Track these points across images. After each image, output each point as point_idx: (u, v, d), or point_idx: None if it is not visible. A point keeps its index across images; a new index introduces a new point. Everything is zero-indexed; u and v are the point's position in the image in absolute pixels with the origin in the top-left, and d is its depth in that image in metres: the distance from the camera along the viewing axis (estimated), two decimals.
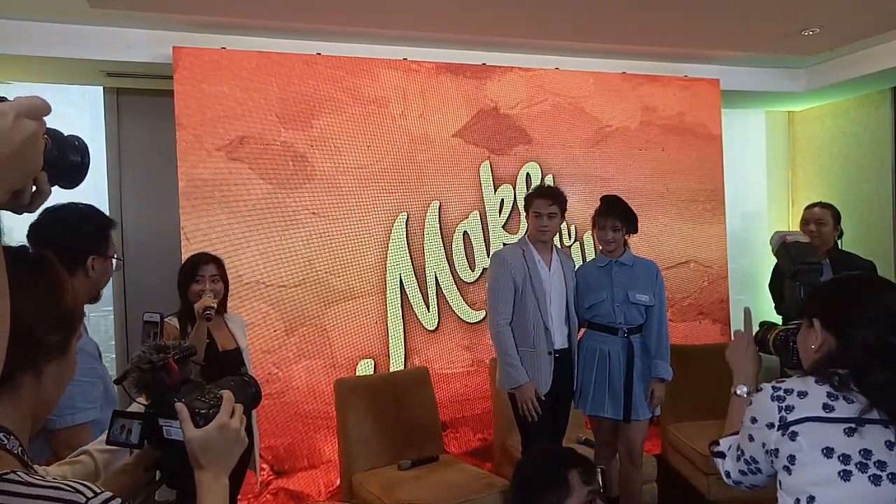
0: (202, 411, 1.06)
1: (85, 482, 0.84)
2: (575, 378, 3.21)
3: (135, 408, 1.16)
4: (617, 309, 3.16)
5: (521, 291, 3.09)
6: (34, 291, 0.90)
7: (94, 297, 1.93)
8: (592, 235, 3.41)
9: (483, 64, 4.29)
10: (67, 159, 0.84)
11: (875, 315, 1.38)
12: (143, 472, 1.15)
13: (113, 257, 1.93)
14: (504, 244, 4.27)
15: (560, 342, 3.16)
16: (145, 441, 1.12)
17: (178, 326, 2.80)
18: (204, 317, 2.71)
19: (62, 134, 0.86)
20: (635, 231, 3.26)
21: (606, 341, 3.16)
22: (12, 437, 0.87)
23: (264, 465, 3.63)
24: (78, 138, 0.88)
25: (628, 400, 3.12)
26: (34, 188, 0.78)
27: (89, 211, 1.93)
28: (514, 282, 3.09)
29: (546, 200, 3.11)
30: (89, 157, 0.86)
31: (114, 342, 4.38)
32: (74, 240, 1.81)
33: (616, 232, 3.19)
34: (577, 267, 3.39)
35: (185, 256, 3.56)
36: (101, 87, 4.30)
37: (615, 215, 3.19)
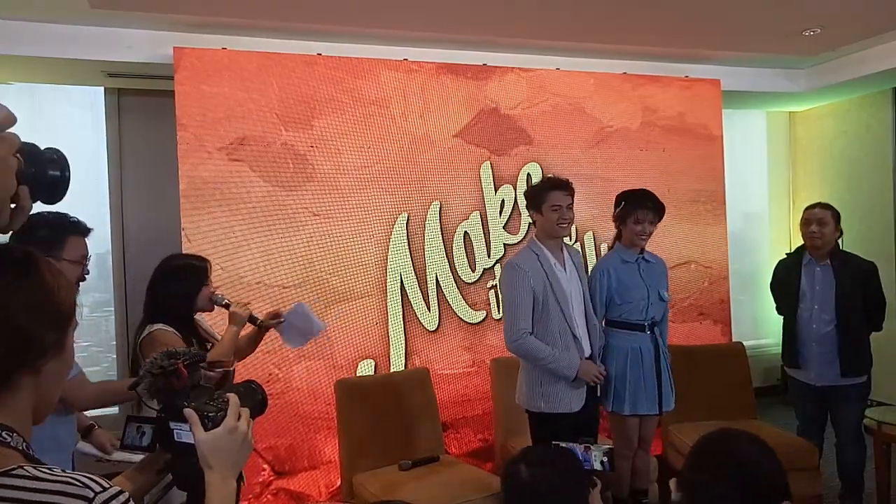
0: (210, 414, 1.09)
1: (93, 476, 0.84)
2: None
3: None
4: (651, 307, 3.15)
5: (543, 301, 2.88)
6: (26, 291, 0.88)
7: None
8: (618, 226, 3.26)
9: (483, 64, 4.29)
10: (46, 175, 0.82)
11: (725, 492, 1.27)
12: (156, 474, 1.17)
13: (72, 260, 1.94)
14: (505, 245, 4.27)
15: (587, 349, 2.99)
16: (157, 444, 1.16)
17: (174, 331, 2.42)
18: (262, 327, 2.59)
19: (38, 148, 0.83)
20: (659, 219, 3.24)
21: (636, 339, 3.12)
22: (15, 434, 0.87)
23: (265, 466, 3.63)
24: (57, 151, 0.85)
25: (660, 393, 3.13)
26: (13, 205, 0.77)
27: (51, 216, 1.94)
28: (534, 292, 2.87)
29: (563, 192, 2.92)
30: (69, 171, 0.84)
31: (115, 342, 4.39)
32: (24, 242, 1.79)
33: (652, 225, 3.15)
34: (598, 262, 3.36)
35: None
36: (102, 88, 4.31)
37: (656, 211, 3.14)
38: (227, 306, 2.55)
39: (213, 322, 2.79)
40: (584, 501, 1.65)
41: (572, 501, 1.63)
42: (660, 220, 3.20)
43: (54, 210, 1.93)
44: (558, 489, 1.61)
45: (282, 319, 2.65)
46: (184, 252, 2.80)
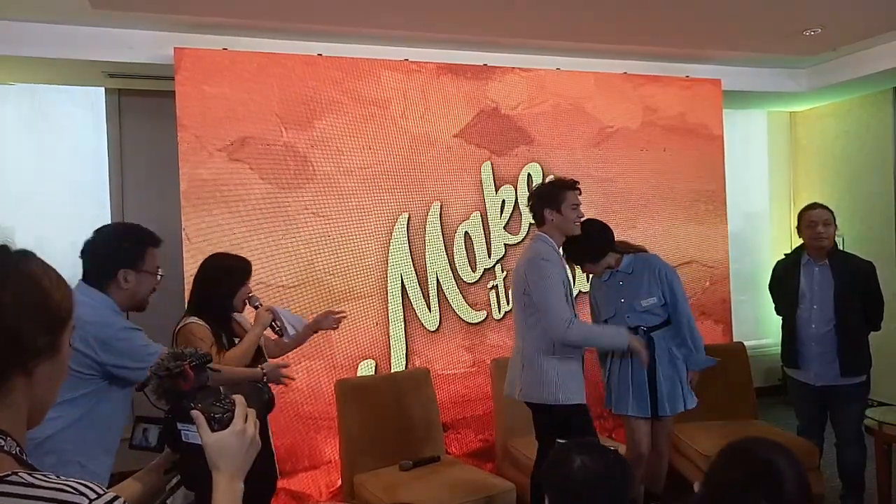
0: (217, 416, 1.10)
1: (87, 483, 0.84)
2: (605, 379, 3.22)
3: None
4: (629, 318, 3.16)
5: (566, 295, 2.94)
6: (18, 291, 0.88)
7: (136, 307, 2.15)
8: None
9: (484, 64, 4.30)
10: None
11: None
12: (164, 474, 1.18)
13: (150, 272, 2.13)
14: (506, 245, 4.27)
15: None
16: (164, 445, 1.18)
17: (207, 326, 2.59)
18: (274, 330, 2.74)
19: None
20: (610, 249, 3.20)
21: None
22: (9, 439, 0.86)
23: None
24: None
25: (654, 396, 3.12)
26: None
27: (131, 229, 2.17)
28: (564, 284, 2.93)
29: (577, 192, 3.02)
30: None
31: None
32: (109, 255, 2.06)
33: (595, 267, 3.22)
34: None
35: (186, 257, 3.57)
36: (103, 88, 4.31)
37: (593, 261, 3.19)
38: (256, 308, 2.71)
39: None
40: (628, 496, 1.66)
41: (621, 495, 1.63)
42: (593, 257, 3.20)
43: (129, 223, 2.19)
44: (611, 482, 1.62)
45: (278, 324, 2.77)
46: (227, 252, 2.86)
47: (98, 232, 2.11)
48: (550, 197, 3.00)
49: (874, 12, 3.99)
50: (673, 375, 3.16)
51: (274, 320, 2.71)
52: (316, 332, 3.02)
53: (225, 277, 2.66)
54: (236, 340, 2.65)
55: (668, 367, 3.15)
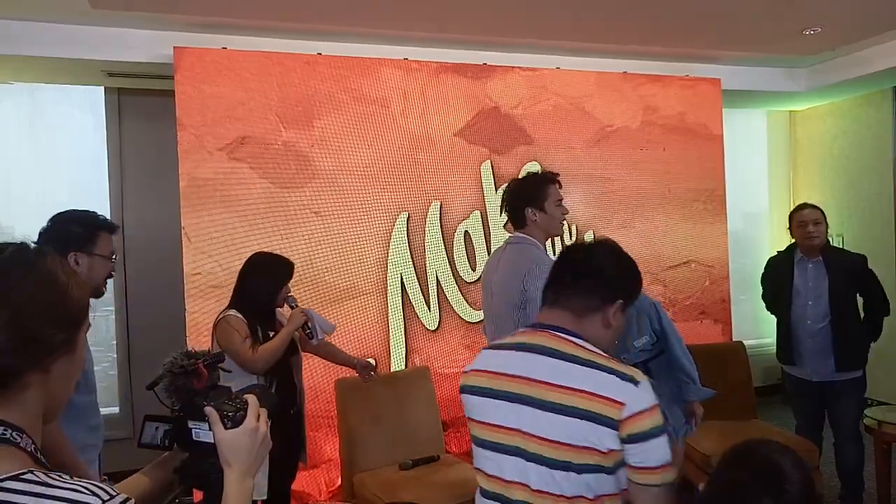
0: (229, 414, 1.11)
1: (101, 484, 0.85)
2: None
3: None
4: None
5: None
6: (35, 290, 0.89)
7: (90, 293, 2.05)
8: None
9: (484, 63, 4.30)
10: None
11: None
12: (172, 473, 1.19)
13: (103, 256, 2.13)
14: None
15: None
16: (174, 443, 1.18)
17: (244, 319, 2.72)
18: (305, 331, 2.87)
19: None
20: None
21: None
22: (25, 436, 0.87)
23: None
24: None
25: None
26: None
27: (82, 214, 2.17)
28: None
29: (557, 185, 2.67)
30: None
31: (115, 342, 4.39)
32: (59, 237, 2.07)
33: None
34: None
35: (186, 256, 3.57)
36: (103, 88, 4.31)
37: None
38: (292, 308, 2.85)
39: None
40: None
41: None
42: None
43: (83, 209, 2.18)
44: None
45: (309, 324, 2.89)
46: (272, 252, 2.99)
47: (51, 218, 2.14)
48: (532, 194, 2.64)
49: (874, 12, 3.99)
50: (671, 404, 3.11)
51: (306, 322, 2.83)
52: (350, 367, 3.27)
53: (272, 275, 2.81)
54: (271, 334, 2.78)
55: (668, 396, 3.10)
